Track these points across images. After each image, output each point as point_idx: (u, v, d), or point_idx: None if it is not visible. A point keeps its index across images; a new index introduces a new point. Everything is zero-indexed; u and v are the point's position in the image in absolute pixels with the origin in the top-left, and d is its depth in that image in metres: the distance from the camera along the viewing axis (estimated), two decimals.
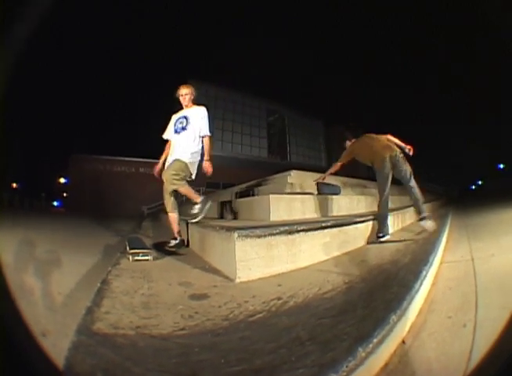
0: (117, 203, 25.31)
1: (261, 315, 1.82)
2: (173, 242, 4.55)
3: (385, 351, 1.53)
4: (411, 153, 5.11)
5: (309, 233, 3.19)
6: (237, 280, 2.57)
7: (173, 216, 4.71)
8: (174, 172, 4.64)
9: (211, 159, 4.80)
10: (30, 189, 38.77)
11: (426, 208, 5.00)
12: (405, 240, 4.37)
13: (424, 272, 2.50)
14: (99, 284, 2.78)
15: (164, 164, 4.92)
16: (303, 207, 5.01)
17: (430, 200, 10.00)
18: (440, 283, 2.75)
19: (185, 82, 5.41)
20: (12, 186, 37.10)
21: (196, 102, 5.22)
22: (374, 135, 5.33)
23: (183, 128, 4.90)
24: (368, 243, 4.49)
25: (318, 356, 1.27)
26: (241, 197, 7.28)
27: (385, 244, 4.17)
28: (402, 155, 5.00)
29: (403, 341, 1.74)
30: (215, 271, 3.04)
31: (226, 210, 6.22)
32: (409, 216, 6.31)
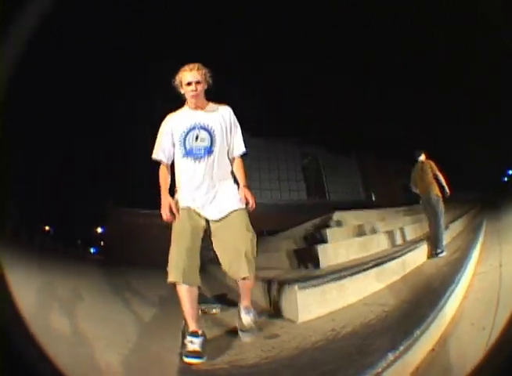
0: (158, 254, 25.03)
1: (322, 342, 2.42)
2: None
3: (413, 357, 2.14)
4: (449, 193, 6.28)
5: (354, 276, 3.76)
6: (299, 321, 3.13)
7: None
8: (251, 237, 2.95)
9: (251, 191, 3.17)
10: (64, 234, 38.77)
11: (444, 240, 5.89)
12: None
13: (450, 292, 3.11)
14: (180, 333, 3.20)
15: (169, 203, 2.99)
16: (348, 250, 5.46)
17: (463, 214, 10.19)
18: (470, 295, 3.32)
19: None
20: (44, 228, 37.26)
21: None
22: (427, 166, 6.53)
23: (208, 151, 3.05)
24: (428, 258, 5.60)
25: (362, 362, 1.95)
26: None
27: (420, 269, 4.67)
28: (440, 196, 6.22)
29: (433, 349, 2.34)
30: (280, 316, 3.52)
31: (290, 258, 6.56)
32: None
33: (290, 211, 25.08)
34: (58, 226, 41.19)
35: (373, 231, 6.94)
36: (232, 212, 3.00)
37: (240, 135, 3.35)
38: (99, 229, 42.75)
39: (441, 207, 6.18)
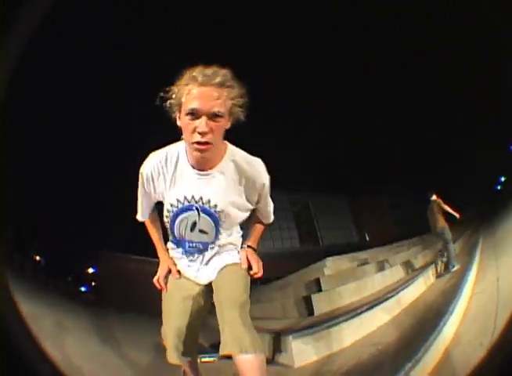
0: (150, 301, 24.42)
1: None
2: None
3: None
4: (458, 217, 7.66)
5: (348, 321, 3.79)
6: (296, 366, 3.16)
7: None
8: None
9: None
10: (55, 268, 37.79)
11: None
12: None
13: (444, 322, 3.14)
14: None
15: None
16: (342, 295, 5.47)
17: (460, 236, 10.33)
18: (467, 317, 3.36)
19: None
20: (35, 257, 35.86)
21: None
22: (435, 205, 7.80)
23: (209, 247, 2.16)
24: (438, 277, 6.35)
25: None
26: None
27: (416, 303, 4.70)
28: (445, 226, 7.40)
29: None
30: (277, 363, 3.52)
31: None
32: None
33: (283, 259, 25.03)
34: (49, 259, 40.23)
35: (367, 273, 6.97)
36: (223, 268, 2.15)
37: (271, 205, 2.31)
38: (91, 270, 41.86)
39: (446, 235, 7.30)
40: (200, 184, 1.92)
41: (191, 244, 2.14)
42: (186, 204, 1.97)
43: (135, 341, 6.34)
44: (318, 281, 6.37)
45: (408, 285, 5.22)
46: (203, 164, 1.86)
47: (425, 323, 3.47)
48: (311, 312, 5.02)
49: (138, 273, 28.09)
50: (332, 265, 7.88)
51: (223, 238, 2.14)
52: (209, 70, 1.70)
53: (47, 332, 4.67)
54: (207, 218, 2.01)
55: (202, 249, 2.15)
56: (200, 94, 1.68)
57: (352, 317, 3.90)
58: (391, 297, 4.66)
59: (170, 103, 1.81)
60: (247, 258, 2.20)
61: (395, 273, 6.81)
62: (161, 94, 1.83)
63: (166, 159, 1.97)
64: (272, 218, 2.46)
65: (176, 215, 2.02)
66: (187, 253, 2.20)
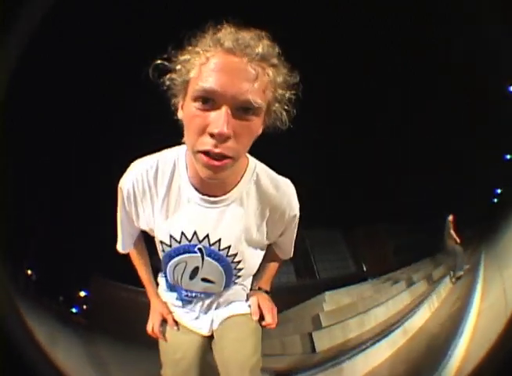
0: (142, 331, 24.11)
1: None
2: None
3: None
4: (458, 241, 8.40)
5: (352, 359, 3.61)
6: None
7: None
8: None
9: None
10: (46, 286, 37.01)
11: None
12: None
13: (453, 347, 2.98)
14: None
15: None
16: (344, 331, 5.31)
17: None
18: (476, 335, 3.21)
19: None
20: (27, 272, 35.08)
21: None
22: (448, 226, 8.59)
23: (214, 298, 1.63)
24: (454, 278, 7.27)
25: None
26: None
27: (422, 331, 4.55)
28: (454, 245, 8.29)
29: None
30: None
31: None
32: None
33: (280, 294, 24.82)
34: (41, 275, 39.74)
35: (368, 305, 6.82)
36: (227, 319, 1.67)
37: (293, 237, 1.73)
38: (82, 293, 41.33)
39: (457, 251, 8.24)
40: (207, 216, 1.30)
41: (190, 294, 1.60)
42: (185, 242, 1.35)
43: (124, 371, 6.20)
44: (317, 317, 6.20)
45: (412, 314, 5.09)
46: (213, 187, 1.24)
47: (434, 349, 3.35)
48: (312, 349, 4.85)
49: (130, 302, 27.71)
50: (331, 300, 7.71)
51: (236, 287, 1.64)
52: (246, 35, 0.99)
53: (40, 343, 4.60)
54: (215, 263, 1.41)
55: (204, 298, 1.61)
56: (226, 67, 0.95)
57: (357, 354, 3.72)
58: (396, 328, 4.52)
59: (171, 79, 1.09)
60: (259, 305, 1.66)
61: (398, 302, 6.64)
62: (158, 62, 1.10)
63: (156, 172, 1.30)
64: (292, 252, 1.80)
65: (170, 257, 1.43)
66: (183, 301, 1.67)
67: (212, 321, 1.67)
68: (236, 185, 1.26)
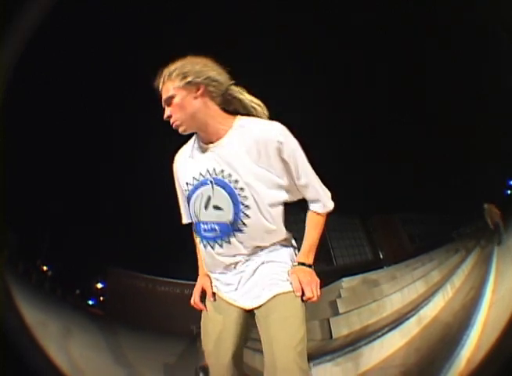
0: (160, 320, 24.24)
1: None
2: None
3: None
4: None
5: (368, 345, 3.66)
6: None
7: None
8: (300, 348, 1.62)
9: None
10: (63, 280, 37.33)
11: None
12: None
13: (466, 336, 3.03)
14: None
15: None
16: (360, 317, 5.34)
17: (476, 244, 10.33)
18: (487, 327, 3.24)
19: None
20: (42, 268, 35.63)
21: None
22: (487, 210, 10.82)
23: (231, 229, 1.71)
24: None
25: None
26: None
27: (436, 320, 4.59)
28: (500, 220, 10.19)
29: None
30: None
31: None
32: None
33: None
34: (57, 270, 40.17)
35: (385, 293, 6.84)
36: (272, 299, 1.72)
37: (319, 182, 1.89)
38: (100, 285, 41.81)
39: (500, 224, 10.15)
40: (212, 156, 1.73)
41: (207, 227, 1.76)
42: (201, 179, 1.75)
43: (142, 359, 6.21)
44: (335, 303, 6.21)
45: (427, 302, 5.06)
46: (205, 137, 1.76)
47: (447, 339, 3.35)
48: (329, 335, 4.88)
49: (147, 292, 27.85)
50: (348, 286, 7.74)
51: (251, 220, 1.69)
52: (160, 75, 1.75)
53: (52, 338, 4.66)
54: (222, 190, 1.70)
55: (220, 234, 1.72)
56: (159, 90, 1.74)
57: (373, 340, 3.76)
58: (412, 316, 4.51)
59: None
60: (299, 281, 1.72)
61: (413, 291, 6.63)
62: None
63: (189, 146, 1.92)
64: (330, 202, 1.91)
65: (192, 193, 1.79)
66: (205, 239, 1.78)
67: (253, 296, 1.76)
68: (225, 134, 1.71)
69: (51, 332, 4.96)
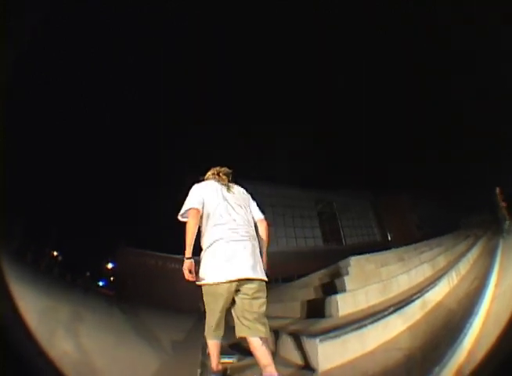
0: (170, 297, 24.64)
1: None
2: None
3: None
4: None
5: (374, 324, 3.66)
6: (320, 370, 3.02)
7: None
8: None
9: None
10: (73, 263, 38.10)
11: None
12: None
13: (469, 325, 3.04)
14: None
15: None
16: (367, 296, 5.34)
17: (479, 239, 10.19)
18: (488, 320, 3.24)
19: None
20: (52, 253, 36.58)
21: None
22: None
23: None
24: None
25: None
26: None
27: (440, 305, 4.56)
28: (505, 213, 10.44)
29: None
30: (300, 366, 3.41)
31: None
32: None
33: (307, 258, 24.78)
34: (67, 254, 41.06)
35: (392, 274, 6.86)
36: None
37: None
38: (110, 265, 42.54)
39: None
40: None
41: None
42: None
43: (150, 336, 6.32)
44: (342, 281, 6.20)
45: (433, 286, 5.04)
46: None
47: (450, 326, 3.35)
48: (335, 312, 4.88)
49: (157, 269, 28.09)
50: (356, 265, 7.64)
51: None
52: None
53: (62, 322, 4.70)
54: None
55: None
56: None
57: (378, 320, 3.76)
58: (417, 298, 4.49)
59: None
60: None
61: (420, 273, 6.62)
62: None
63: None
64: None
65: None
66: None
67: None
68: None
69: (60, 317, 5.05)
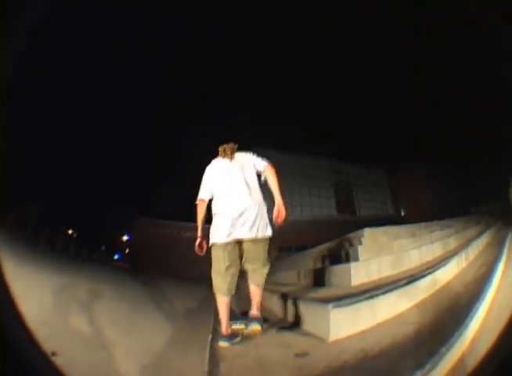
0: (185, 266, 24.92)
1: (352, 362, 2.43)
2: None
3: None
4: None
5: (386, 295, 3.69)
6: (330, 340, 3.04)
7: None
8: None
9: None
10: (88, 240, 38.65)
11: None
12: None
13: (475, 309, 3.07)
14: (208, 350, 3.21)
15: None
16: (379, 267, 5.39)
17: (489, 228, 10.06)
18: (492, 311, 3.27)
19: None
20: (67, 232, 37.21)
21: None
22: None
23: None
24: None
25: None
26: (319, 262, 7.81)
27: (449, 286, 4.60)
28: None
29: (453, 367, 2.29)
30: (310, 334, 3.43)
31: (307, 277, 6.63)
32: None
33: (321, 227, 24.78)
34: (82, 231, 41.52)
35: (404, 248, 6.90)
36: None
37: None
38: (125, 237, 42.96)
39: None
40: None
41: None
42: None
43: (164, 305, 6.43)
44: (355, 250, 6.27)
45: (443, 265, 5.06)
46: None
47: (459, 306, 3.41)
48: (348, 281, 4.94)
49: (172, 238, 28.26)
50: (370, 236, 7.76)
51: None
52: None
53: (78, 301, 4.81)
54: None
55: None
56: None
57: (390, 291, 3.79)
58: (428, 274, 4.51)
59: None
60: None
61: (430, 251, 6.64)
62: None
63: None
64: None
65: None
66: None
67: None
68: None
69: (75, 293, 5.16)
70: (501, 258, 5.28)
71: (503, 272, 4.67)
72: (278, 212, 3.51)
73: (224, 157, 3.88)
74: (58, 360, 2.01)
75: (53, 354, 2.33)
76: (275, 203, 3.58)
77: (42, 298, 4.13)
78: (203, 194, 3.77)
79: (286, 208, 3.61)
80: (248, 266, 3.65)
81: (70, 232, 39.16)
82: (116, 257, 44.24)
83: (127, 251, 39.67)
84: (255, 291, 3.63)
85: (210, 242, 3.59)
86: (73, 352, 2.60)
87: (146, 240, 29.68)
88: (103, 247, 44.39)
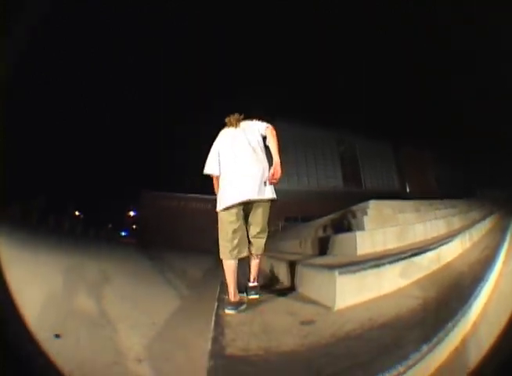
0: (192, 238, 25.14)
1: (357, 332, 2.41)
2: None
3: (440, 353, 2.08)
4: None
5: (392, 265, 3.65)
6: (335, 309, 3.01)
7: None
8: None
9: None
10: (94, 218, 39.23)
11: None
12: None
13: (479, 289, 3.02)
14: (213, 318, 3.18)
15: None
16: (384, 238, 5.36)
17: (493, 213, 9.96)
18: (494, 297, 3.24)
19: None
20: (74, 214, 37.94)
21: None
22: None
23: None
24: None
25: (397, 354, 1.95)
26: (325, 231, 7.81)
27: (453, 265, 4.55)
28: None
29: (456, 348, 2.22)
30: (315, 302, 3.42)
31: (312, 246, 6.57)
32: None
33: (327, 198, 24.81)
34: (89, 211, 41.97)
35: (409, 221, 6.86)
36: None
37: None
38: (131, 213, 43.35)
39: None
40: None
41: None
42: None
43: (171, 277, 6.55)
44: (361, 220, 6.26)
45: (448, 241, 5.01)
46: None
47: (463, 285, 3.35)
48: (353, 250, 4.92)
49: (179, 210, 28.47)
50: (375, 207, 7.76)
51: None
52: None
53: (88, 281, 4.88)
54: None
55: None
56: None
57: (395, 261, 3.76)
58: (433, 248, 4.47)
59: None
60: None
61: (435, 228, 6.57)
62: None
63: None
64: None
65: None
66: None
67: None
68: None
69: (85, 273, 5.26)
70: (503, 245, 5.22)
71: (505, 259, 4.63)
72: (274, 170, 3.49)
73: (230, 126, 3.98)
74: (62, 340, 2.20)
75: (57, 336, 2.36)
76: (273, 162, 3.57)
77: (50, 279, 4.33)
78: (214, 169, 3.85)
79: (285, 172, 3.88)
80: (251, 231, 3.75)
81: (77, 213, 39.80)
82: (123, 234, 44.64)
83: (134, 226, 40.11)
84: (254, 263, 3.89)
85: (218, 208, 3.61)
86: (80, 330, 2.74)
87: (155, 213, 29.96)
88: (110, 225, 44.81)
